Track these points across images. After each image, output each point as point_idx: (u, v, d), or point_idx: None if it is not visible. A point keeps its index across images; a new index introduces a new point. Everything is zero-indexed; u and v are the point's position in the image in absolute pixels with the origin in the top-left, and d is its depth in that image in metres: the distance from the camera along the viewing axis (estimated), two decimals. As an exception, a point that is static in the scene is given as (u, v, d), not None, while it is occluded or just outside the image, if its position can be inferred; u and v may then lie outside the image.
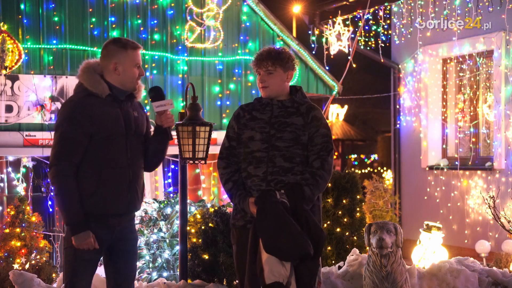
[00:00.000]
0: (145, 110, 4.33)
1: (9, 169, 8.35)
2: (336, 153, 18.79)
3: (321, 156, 4.12)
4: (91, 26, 8.74)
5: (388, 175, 11.29)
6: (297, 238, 3.84)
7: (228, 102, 9.49)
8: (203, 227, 5.98)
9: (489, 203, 6.82)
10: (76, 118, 3.95)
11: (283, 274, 3.82)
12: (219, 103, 9.45)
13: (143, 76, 4.16)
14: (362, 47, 10.93)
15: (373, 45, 10.82)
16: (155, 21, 9.10)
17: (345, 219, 6.86)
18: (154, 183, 9.16)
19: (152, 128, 4.35)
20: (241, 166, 4.19)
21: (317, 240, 3.95)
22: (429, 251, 8.09)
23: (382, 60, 10.96)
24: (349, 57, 10.77)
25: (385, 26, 10.57)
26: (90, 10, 8.75)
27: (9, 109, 8.32)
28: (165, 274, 6.55)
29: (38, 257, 6.84)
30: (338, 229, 6.78)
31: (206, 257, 5.87)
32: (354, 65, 10.78)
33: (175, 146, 5.48)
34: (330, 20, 11.07)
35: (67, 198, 3.92)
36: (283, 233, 3.84)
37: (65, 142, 3.95)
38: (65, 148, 3.94)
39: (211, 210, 6.11)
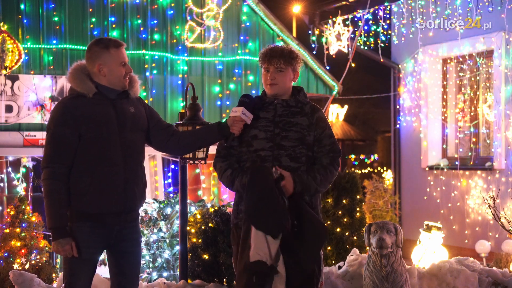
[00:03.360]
0: (146, 105, 4.28)
1: (9, 169, 8.36)
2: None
3: (330, 157, 4.15)
4: (91, 26, 8.74)
5: (388, 175, 11.29)
6: (278, 212, 3.85)
7: (228, 102, 9.49)
8: (203, 227, 5.98)
9: (489, 203, 6.81)
10: (64, 120, 3.94)
11: (267, 254, 3.81)
12: (219, 103, 9.45)
13: (131, 73, 4.12)
14: (362, 47, 10.93)
15: (372, 45, 10.82)
16: (155, 21, 9.11)
17: (345, 219, 6.86)
18: (154, 183, 9.17)
19: (157, 123, 4.30)
20: (245, 165, 4.17)
21: (318, 232, 3.96)
22: (429, 251, 8.09)
23: (382, 60, 10.96)
24: (348, 57, 10.78)
25: (385, 26, 10.57)
26: (90, 10, 8.76)
27: (9, 109, 8.32)
28: (165, 274, 6.55)
29: (38, 257, 6.84)
30: (338, 229, 6.78)
31: (206, 257, 5.87)
32: (353, 65, 10.78)
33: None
34: (330, 20, 11.07)
35: (52, 203, 3.91)
36: (265, 204, 3.84)
37: (55, 144, 3.95)
38: (55, 150, 3.94)
39: (211, 210, 6.10)
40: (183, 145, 4.30)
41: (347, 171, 7.16)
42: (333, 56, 10.92)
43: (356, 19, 10.80)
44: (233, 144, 4.20)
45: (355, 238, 6.86)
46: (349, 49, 10.88)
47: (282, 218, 3.85)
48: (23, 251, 6.79)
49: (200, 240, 5.96)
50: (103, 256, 4.24)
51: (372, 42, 10.75)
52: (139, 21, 9.02)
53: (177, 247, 6.30)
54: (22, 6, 8.41)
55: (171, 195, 7.04)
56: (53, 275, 6.73)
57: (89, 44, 4.11)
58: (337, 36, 10.97)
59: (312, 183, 4.05)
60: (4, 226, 6.96)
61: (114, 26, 8.87)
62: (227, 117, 9.34)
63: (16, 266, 6.61)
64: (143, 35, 9.04)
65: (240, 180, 4.09)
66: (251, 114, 4.11)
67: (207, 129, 4.32)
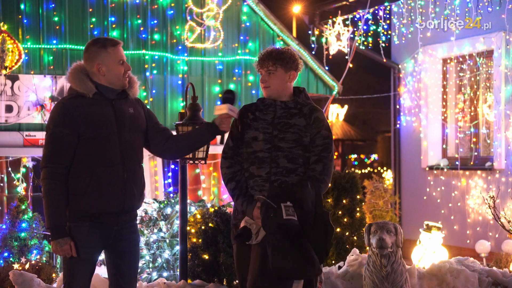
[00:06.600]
0: (144, 106, 4.30)
1: (9, 169, 8.36)
2: (336, 153, 18.77)
3: (322, 159, 4.13)
4: (91, 26, 8.74)
5: (388, 175, 11.29)
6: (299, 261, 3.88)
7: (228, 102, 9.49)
8: (203, 227, 5.98)
9: (489, 203, 6.82)
10: (63, 120, 3.95)
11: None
12: (219, 103, 9.45)
13: (130, 70, 4.14)
14: (362, 47, 10.93)
15: (371, 45, 10.81)
16: (155, 21, 9.11)
17: (345, 219, 6.86)
18: (154, 183, 9.16)
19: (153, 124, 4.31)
20: (244, 166, 4.18)
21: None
22: (429, 251, 8.09)
23: (382, 60, 10.96)
24: (347, 57, 10.77)
25: (385, 26, 10.57)
26: (90, 10, 8.76)
27: (9, 109, 8.32)
28: (165, 274, 6.54)
29: (38, 257, 6.84)
30: (338, 229, 6.78)
31: (206, 257, 5.87)
32: (351, 65, 10.78)
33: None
34: (330, 20, 11.07)
35: (51, 202, 3.91)
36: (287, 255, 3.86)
37: (53, 144, 3.95)
38: (54, 150, 3.95)
39: (211, 210, 6.10)
40: (181, 147, 4.31)
41: (347, 171, 7.16)
42: (330, 57, 10.91)
43: (356, 19, 10.79)
44: (237, 144, 4.21)
45: (355, 238, 6.86)
46: (349, 49, 10.88)
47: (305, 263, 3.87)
48: (23, 251, 6.79)
49: (200, 240, 5.96)
50: (103, 256, 4.24)
51: (371, 42, 10.73)
52: (139, 21, 9.01)
53: (177, 247, 6.30)
54: (22, 6, 8.40)
55: (171, 195, 7.03)
56: (53, 275, 6.72)
57: (86, 45, 4.12)
58: (337, 36, 10.97)
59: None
60: (4, 226, 6.96)
61: (114, 26, 8.87)
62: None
63: (16, 266, 6.61)
64: (143, 35, 9.03)
65: (242, 201, 4.09)
66: (236, 108, 4.18)
67: (199, 131, 4.34)
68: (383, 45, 10.61)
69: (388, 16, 10.74)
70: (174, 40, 9.22)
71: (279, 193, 3.97)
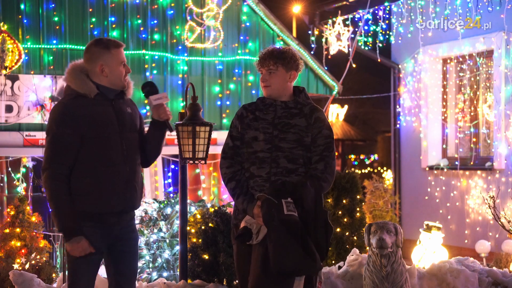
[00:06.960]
0: (137, 107, 4.33)
1: (9, 169, 8.35)
2: (336, 153, 18.74)
3: (324, 158, 4.13)
4: (91, 26, 8.74)
5: (388, 175, 11.29)
6: (300, 259, 3.86)
7: (228, 102, 9.49)
8: (203, 227, 5.98)
9: (489, 203, 6.82)
10: (65, 120, 3.94)
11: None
12: (219, 103, 9.45)
13: (129, 73, 4.15)
14: (362, 47, 10.93)
15: (370, 46, 10.81)
16: (155, 21, 9.10)
17: (345, 219, 6.87)
18: (154, 183, 9.16)
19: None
20: (244, 166, 4.18)
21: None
22: (429, 251, 8.09)
23: (380, 60, 10.95)
24: (349, 57, 10.77)
25: (385, 27, 10.57)
26: (90, 10, 8.76)
27: (9, 109, 8.32)
28: (165, 274, 6.55)
29: (38, 257, 6.83)
30: (338, 229, 6.78)
31: (206, 257, 5.87)
32: (354, 65, 10.78)
33: (175, 146, 5.49)
34: (330, 20, 11.07)
35: (59, 204, 3.90)
36: (288, 252, 3.85)
37: (56, 145, 3.95)
38: (56, 151, 3.94)
39: (211, 210, 6.10)
40: (152, 151, 4.30)
41: (347, 171, 7.16)
42: (329, 57, 10.91)
43: (356, 19, 10.79)
44: (237, 144, 4.21)
45: (355, 238, 6.86)
46: (349, 49, 10.88)
47: (305, 261, 3.85)
48: (23, 251, 6.79)
49: (200, 240, 5.97)
50: (103, 256, 4.24)
51: (373, 42, 10.73)
52: (139, 21, 9.01)
53: (177, 247, 6.31)
54: (22, 6, 8.40)
55: (171, 195, 7.03)
56: (53, 275, 6.72)
57: (87, 45, 4.11)
58: (337, 36, 10.97)
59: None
60: (4, 226, 6.96)
61: (114, 26, 8.87)
62: (227, 117, 9.38)
63: (16, 266, 6.61)
64: (143, 35, 9.03)
65: (242, 200, 4.08)
66: (162, 94, 4.21)
67: (148, 133, 4.31)
68: (380, 45, 10.60)
69: (388, 16, 10.74)
70: (174, 40, 9.22)
71: (280, 190, 3.96)
